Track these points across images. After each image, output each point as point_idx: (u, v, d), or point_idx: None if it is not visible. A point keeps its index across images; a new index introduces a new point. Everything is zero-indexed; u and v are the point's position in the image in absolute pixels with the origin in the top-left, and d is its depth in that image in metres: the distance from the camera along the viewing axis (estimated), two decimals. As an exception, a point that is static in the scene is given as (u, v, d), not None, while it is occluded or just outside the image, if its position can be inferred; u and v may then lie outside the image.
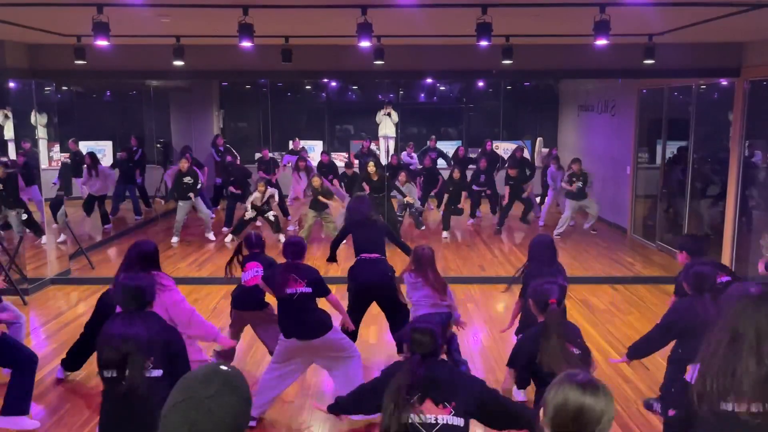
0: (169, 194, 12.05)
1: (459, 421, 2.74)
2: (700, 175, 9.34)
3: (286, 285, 4.51)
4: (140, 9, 5.72)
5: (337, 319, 4.83)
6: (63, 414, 4.81)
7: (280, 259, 4.89)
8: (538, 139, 14.45)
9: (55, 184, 10.52)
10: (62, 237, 9.74)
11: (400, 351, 5.48)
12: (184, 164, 10.29)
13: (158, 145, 13.90)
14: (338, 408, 3.43)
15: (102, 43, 5.77)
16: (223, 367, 1.56)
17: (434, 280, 4.95)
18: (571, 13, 6.00)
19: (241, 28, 5.75)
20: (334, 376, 4.75)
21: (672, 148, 10.06)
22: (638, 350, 4.34)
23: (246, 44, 5.95)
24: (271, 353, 5.14)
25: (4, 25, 6.56)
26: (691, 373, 2.53)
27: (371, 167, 10.41)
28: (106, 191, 11.23)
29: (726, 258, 8.24)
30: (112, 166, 12.03)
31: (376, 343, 6.22)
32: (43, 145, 9.65)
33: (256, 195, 10.41)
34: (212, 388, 1.47)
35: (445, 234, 10.86)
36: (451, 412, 2.71)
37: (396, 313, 5.48)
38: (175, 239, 10.41)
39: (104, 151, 13.20)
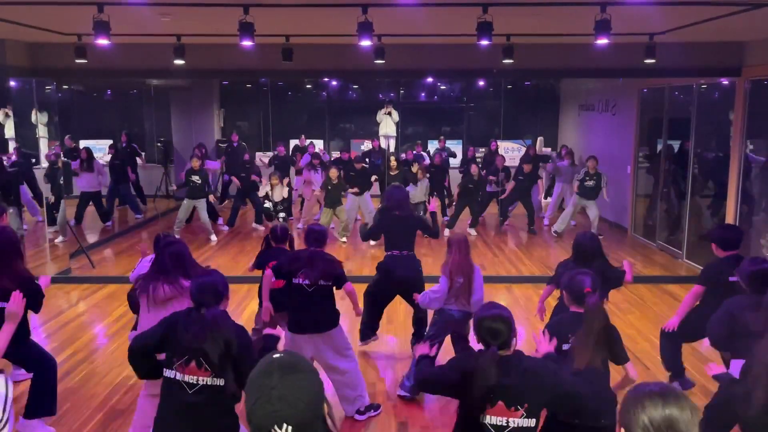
0: (178, 183, 11.97)
1: (530, 422, 2.68)
2: (701, 174, 9.33)
3: (298, 275, 4.50)
4: (141, 8, 5.73)
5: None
6: (63, 414, 4.80)
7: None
8: (539, 138, 14.43)
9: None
10: (61, 238, 9.74)
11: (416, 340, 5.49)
12: (195, 162, 10.26)
13: (159, 144, 13.89)
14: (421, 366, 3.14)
15: (102, 41, 5.79)
16: (276, 354, 1.64)
17: (452, 263, 4.88)
18: (571, 13, 6.00)
19: (242, 27, 5.76)
20: (332, 378, 4.71)
21: (673, 147, 10.05)
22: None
23: (247, 43, 5.96)
24: None
25: (5, 24, 6.57)
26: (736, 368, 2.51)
27: (393, 161, 10.27)
28: (99, 188, 11.07)
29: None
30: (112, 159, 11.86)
31: (377, 341, 6.21)
32: (43, 143, 9.63)
33: (268, 189, 10.40)
34: (274, 378, 1.56)
35: (447, 233, 10.85)
36: (523, 414, 2.65)
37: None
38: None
39: (105, 150, 13.20)
